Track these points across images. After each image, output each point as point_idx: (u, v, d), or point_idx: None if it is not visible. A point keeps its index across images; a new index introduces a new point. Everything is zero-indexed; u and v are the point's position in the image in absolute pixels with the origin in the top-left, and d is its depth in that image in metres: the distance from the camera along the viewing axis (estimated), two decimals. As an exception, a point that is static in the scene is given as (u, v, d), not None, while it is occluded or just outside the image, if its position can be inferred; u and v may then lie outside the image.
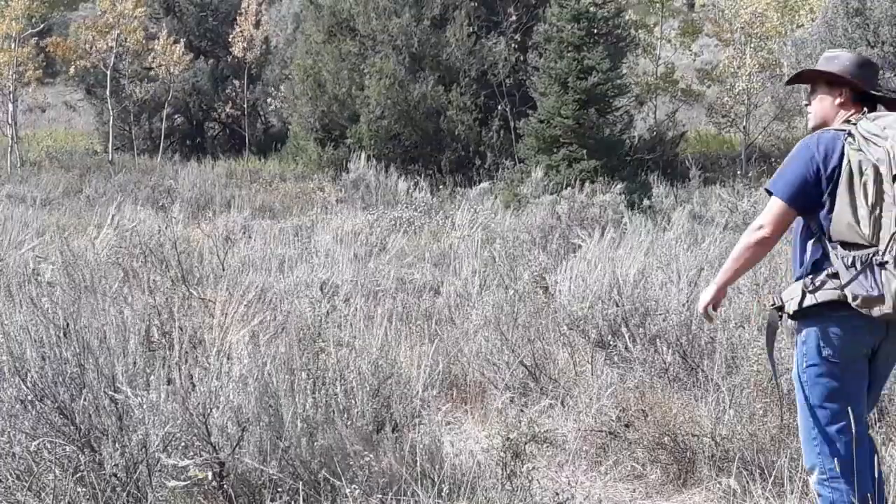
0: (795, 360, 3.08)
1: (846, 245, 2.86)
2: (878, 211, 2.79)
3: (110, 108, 21.83)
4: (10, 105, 21.64)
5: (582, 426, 4.45)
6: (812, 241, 2.98)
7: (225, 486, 3.41)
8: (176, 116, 25.71)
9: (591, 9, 16.65)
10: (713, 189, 16.20)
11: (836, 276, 2.88)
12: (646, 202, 14.53)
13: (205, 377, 3.54)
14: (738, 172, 18.43)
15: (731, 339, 4.75)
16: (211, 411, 3.45)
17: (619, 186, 13.73)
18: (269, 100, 24.53)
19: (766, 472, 3.75)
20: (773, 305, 3.10)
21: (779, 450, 3.85)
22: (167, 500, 3.37)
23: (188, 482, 3.31)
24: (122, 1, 21.47)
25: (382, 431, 3.82)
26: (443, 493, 3.39)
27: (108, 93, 21.99)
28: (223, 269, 5.87)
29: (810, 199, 2.94)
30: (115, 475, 3.30)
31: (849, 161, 2.86)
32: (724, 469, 3.92)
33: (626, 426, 4.27)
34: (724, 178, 18.05)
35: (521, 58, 18.69)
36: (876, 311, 2.81)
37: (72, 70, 22.61)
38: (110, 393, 3.50)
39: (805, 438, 3.07)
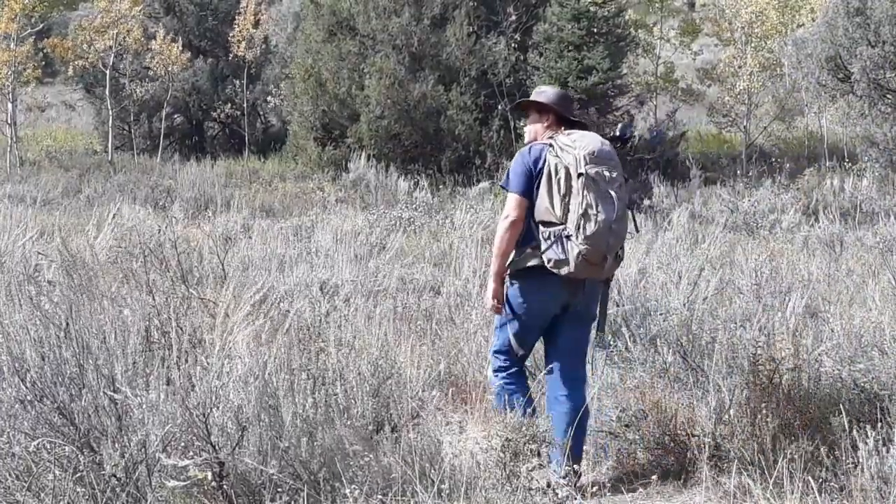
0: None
1: (545, 224, 3.93)
2: (567, 199, 3.87)
3: (109, 107, 21.82)
4: (10, 105, 21.63)
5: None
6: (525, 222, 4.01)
7: (225, 486, 3.40)
8: (175, 116, 25.72)
9: (592, 8, 16.64)
10: (714, 189, 16.20)
11: (538, 247, 3.94)
12: (646, 202, 14.53)
13: (205, 377, 3.54)
14: (739, 172, 18.45)
15: (731, 339, 4.74)
16: (211, 411, 3.44)
17: (618, 186, 13.69)
18: (268, 98, 24.52)
19: (766, 472, 3.75)
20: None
21: (778, 450, 3.85)
22: (167, 500, 3.36)
23: (188, 482, 3.31)
24: (120, 1, 21.45)
25: (382, 431, 3.82)
26: (442, 494, 3.38)
27: (107, 92, 21.98)
28: (223, 270, 5.86)
29: (531, 191, 3.98)
30: (115, 475, 3.29)
31: (548, 164, 3.94)
32: (724, 469, 3.91)
33: (626, 426, 4.27)
34: (724, 177, 18.06)
35: (521, 57, 18.66)
36: (564, 270, 3.88)
37: (70, 70, 22.60)
38: (110, 393, 3.50)
39: (491, 351, 4.17)
